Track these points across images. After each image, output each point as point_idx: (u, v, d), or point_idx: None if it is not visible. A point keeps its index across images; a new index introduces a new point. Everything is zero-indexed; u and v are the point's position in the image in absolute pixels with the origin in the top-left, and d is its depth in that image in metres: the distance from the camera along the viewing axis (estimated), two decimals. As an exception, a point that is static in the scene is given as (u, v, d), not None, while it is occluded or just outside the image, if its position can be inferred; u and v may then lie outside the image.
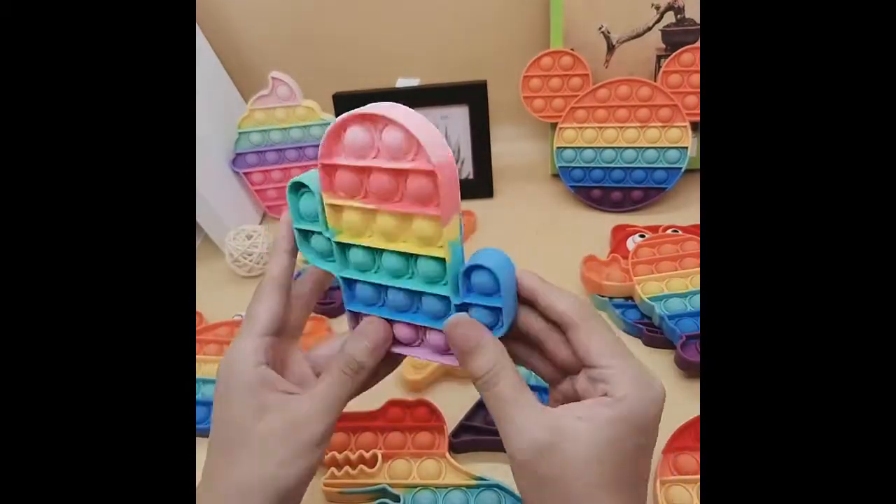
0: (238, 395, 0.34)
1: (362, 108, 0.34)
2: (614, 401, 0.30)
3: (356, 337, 0.37)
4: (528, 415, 0.31)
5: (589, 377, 0.33)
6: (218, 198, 0.82)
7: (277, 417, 0.34)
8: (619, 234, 0.76)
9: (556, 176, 0.91)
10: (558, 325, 0.34)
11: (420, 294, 0.36)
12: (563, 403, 0.32)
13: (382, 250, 0.36)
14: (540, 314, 0.35)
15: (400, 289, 0.37)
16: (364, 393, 0.39)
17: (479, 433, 0.52)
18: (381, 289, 0.38)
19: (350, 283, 0.38)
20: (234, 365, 0.35)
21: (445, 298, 0.36)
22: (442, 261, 0.34)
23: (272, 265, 0.38)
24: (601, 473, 0.29)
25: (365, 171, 0.34)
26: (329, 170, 0.35)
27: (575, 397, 0.34)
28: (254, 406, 0.34)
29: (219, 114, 0.86)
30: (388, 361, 0.39)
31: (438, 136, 0.34)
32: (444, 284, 0.35)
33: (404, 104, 0.34)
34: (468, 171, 0.90)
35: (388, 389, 0.55)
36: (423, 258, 0.35)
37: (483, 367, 0.33)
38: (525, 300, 0.35)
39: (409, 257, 0.36)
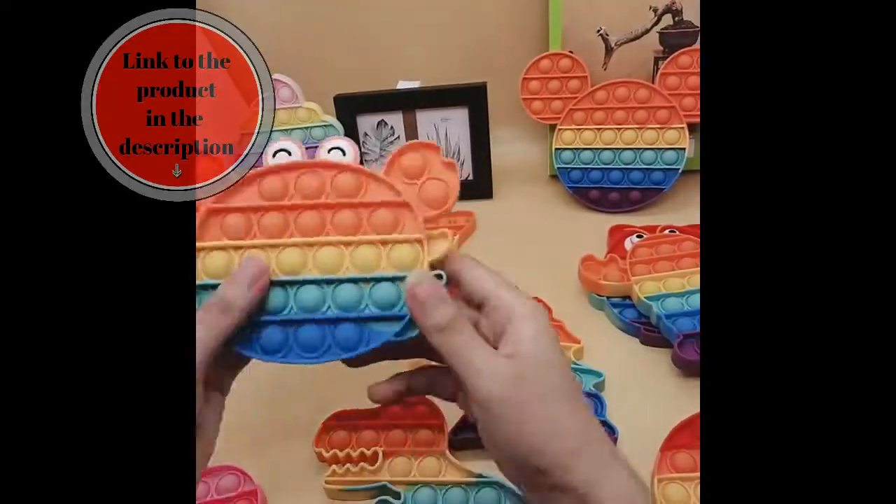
0: None
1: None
2: (527, 320, 0.34)
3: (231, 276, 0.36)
4: (490, 356, 0.33)
5: (487, 313, 0.36)
6: (218, 199, 0.82)
7: None
8: (617, 235, 0.76)
9: (554, 177, 0.92)
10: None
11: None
12: None
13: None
14: None
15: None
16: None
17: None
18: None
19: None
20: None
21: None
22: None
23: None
24: (559, 382, 0.33)
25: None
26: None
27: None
28: None
29: (219, 116, 0.86)
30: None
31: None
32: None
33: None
34: (468, 172, 0.91)
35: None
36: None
37: (447, 315, 0.34)
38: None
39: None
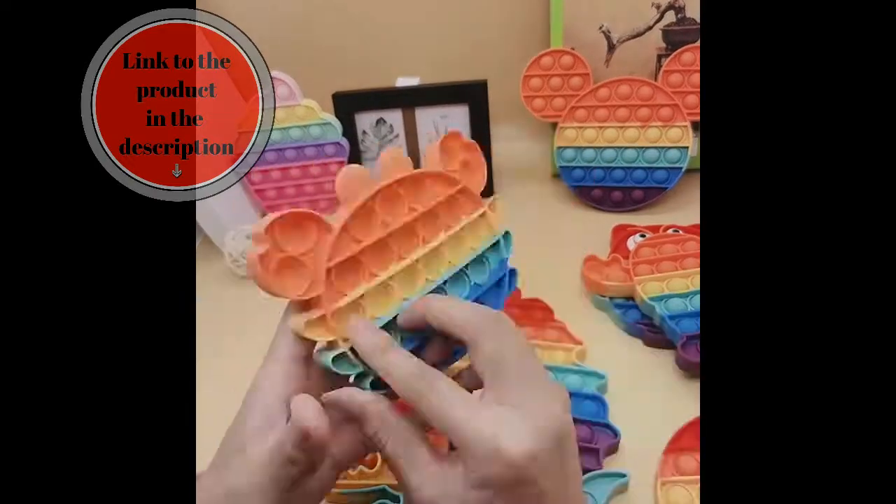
0: (248, 414, 0.33)
1: None
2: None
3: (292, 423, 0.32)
4: (419, 471, 0.32)
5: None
6: (217, 198, 0.82)
7: (244, 456, 0.32)
8: (620, 234, 0.76)
9: (556, 176, 0.91)
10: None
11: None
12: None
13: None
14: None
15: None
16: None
17: (479, 433, 0.52)
18: None
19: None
20: (258, 384, 0.34)
21: None
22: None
23: None
24: None
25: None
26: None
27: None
28: (254, 429, 0.33)
29: (219, 113, 0.85)
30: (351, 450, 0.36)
31: None
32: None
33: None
34: (468, 170, 0.90)
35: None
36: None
37: (367, 433, 0.33)
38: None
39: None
